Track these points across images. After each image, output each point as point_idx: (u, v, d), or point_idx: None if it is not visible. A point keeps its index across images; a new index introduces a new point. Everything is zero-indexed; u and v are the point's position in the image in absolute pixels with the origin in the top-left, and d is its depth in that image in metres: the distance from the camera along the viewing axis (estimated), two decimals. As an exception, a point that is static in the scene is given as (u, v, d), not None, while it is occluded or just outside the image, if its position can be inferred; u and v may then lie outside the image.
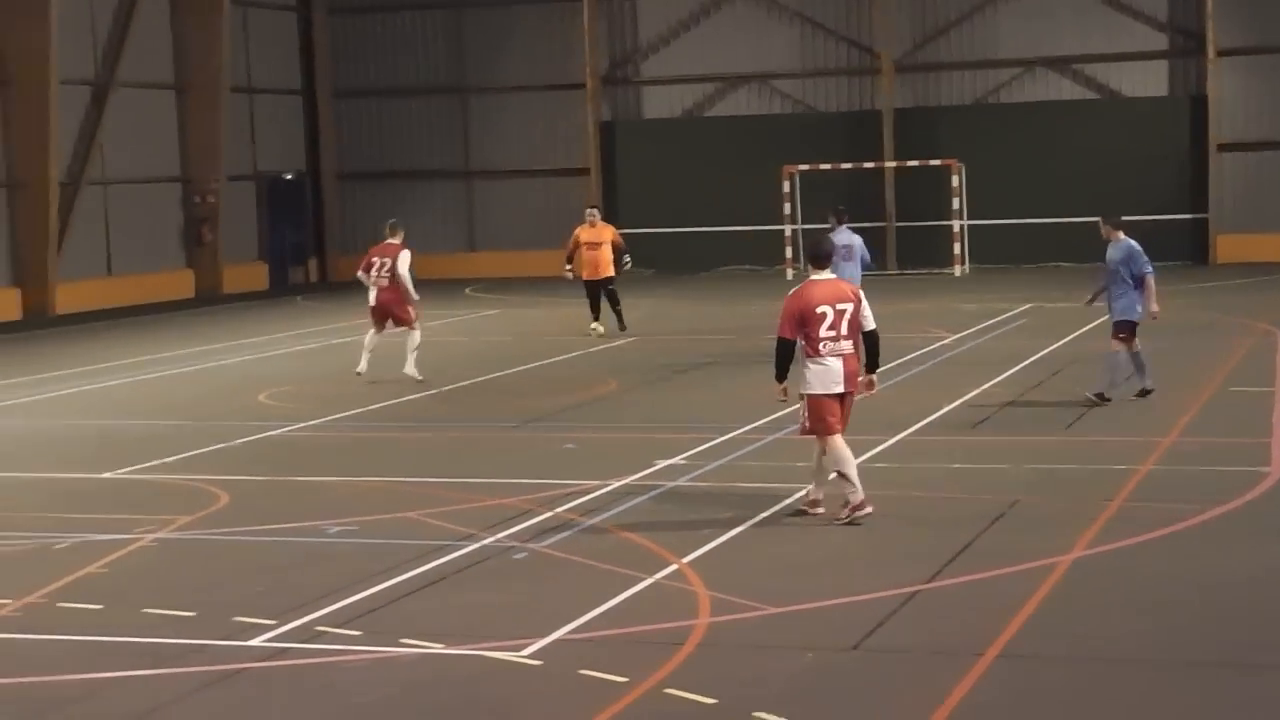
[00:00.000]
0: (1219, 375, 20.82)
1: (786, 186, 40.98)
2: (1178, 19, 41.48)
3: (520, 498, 14.30)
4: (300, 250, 45.99)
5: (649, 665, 9.39)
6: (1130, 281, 18.57)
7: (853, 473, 13.07)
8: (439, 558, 12.17)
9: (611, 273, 27.94)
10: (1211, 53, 40.52)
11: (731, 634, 10.11)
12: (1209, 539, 12.21)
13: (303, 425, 19.14)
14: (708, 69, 44.46)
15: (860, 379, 13.25)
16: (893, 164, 41.99)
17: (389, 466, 16.27)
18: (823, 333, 12.95)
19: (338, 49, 46.87)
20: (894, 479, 14.73)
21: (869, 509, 13.02)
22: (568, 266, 28.61)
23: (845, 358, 13.06)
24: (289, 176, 45.80)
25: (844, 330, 13.02)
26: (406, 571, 11.76)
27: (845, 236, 22.41)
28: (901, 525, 13.05)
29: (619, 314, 27.98)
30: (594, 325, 27.53)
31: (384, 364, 22.86)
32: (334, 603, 10.96)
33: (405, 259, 22.69)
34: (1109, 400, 18.42)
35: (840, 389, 13.06)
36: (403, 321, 22.74)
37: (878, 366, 13.54)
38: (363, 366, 22.66)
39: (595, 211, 28.63)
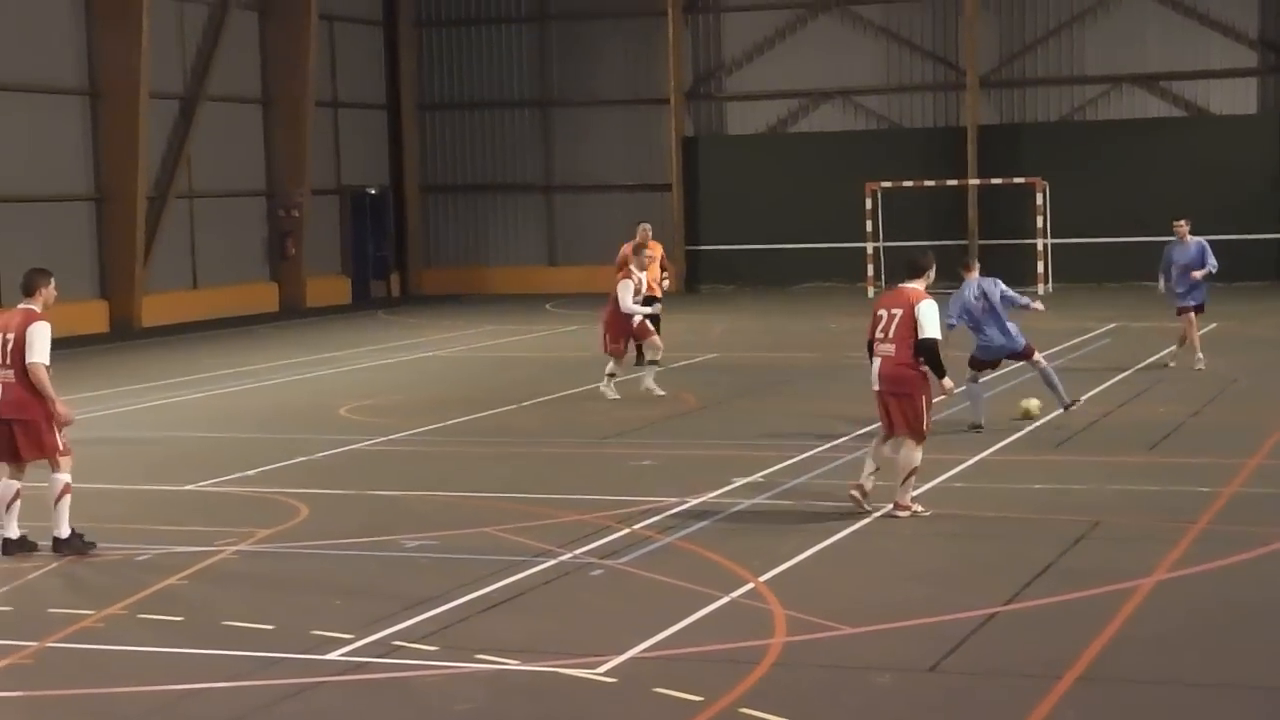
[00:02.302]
0: (1306, 397, 20.55)
1: (869, 203, 40.84)
2: (1268, 35, 41.05)
3: (598, 514, 14.31)
4: (383, 264, 46.27)
5: (724, 684, 9.37)
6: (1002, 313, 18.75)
7: (905, 475, 13.81)
8: (516, 573, 12.19)
9: (658, 292, 26.72)
10: (1301, 69, 40.04)
11: (808, 653, 10.07)
12: (1294, 563, 12.06)
13: (383, 439, 19.24)
14: (792, 84, 44.40)
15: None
16: (976, 181, 41.77)
17: (468, 481, 16.32)
18: (876, 334, 13.97)
19: (423, 62, 47.17)
20: (975, 498, 14.64)
21: (902, 513, 13.77)
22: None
23: (884, 359, 13.87)
24: (373, 190, 46.10)
25: (890, 334, 13.81)
26: (483, 587, 11.79)
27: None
28: (981, 545, 12.97)
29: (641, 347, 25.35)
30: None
31: (455, 377, 22.92)
32: (411, 617, 11.00)
33: (627, 288, 22.31)
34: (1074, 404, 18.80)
35: (875, 387, 13.95)
36: (640, 336, 22.48)
37: (939, 372, 13.83)
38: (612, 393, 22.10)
39: (648, 227, 26.62)
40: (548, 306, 40.50)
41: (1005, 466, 16.25)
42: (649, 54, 44.91)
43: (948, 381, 13.94)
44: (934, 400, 14.17)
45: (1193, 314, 23.23)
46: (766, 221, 43.47)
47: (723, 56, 45.26)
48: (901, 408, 13.84)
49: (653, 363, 22.42)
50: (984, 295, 18.87)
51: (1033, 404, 18.95)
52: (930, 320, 13.71)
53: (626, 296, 22.04)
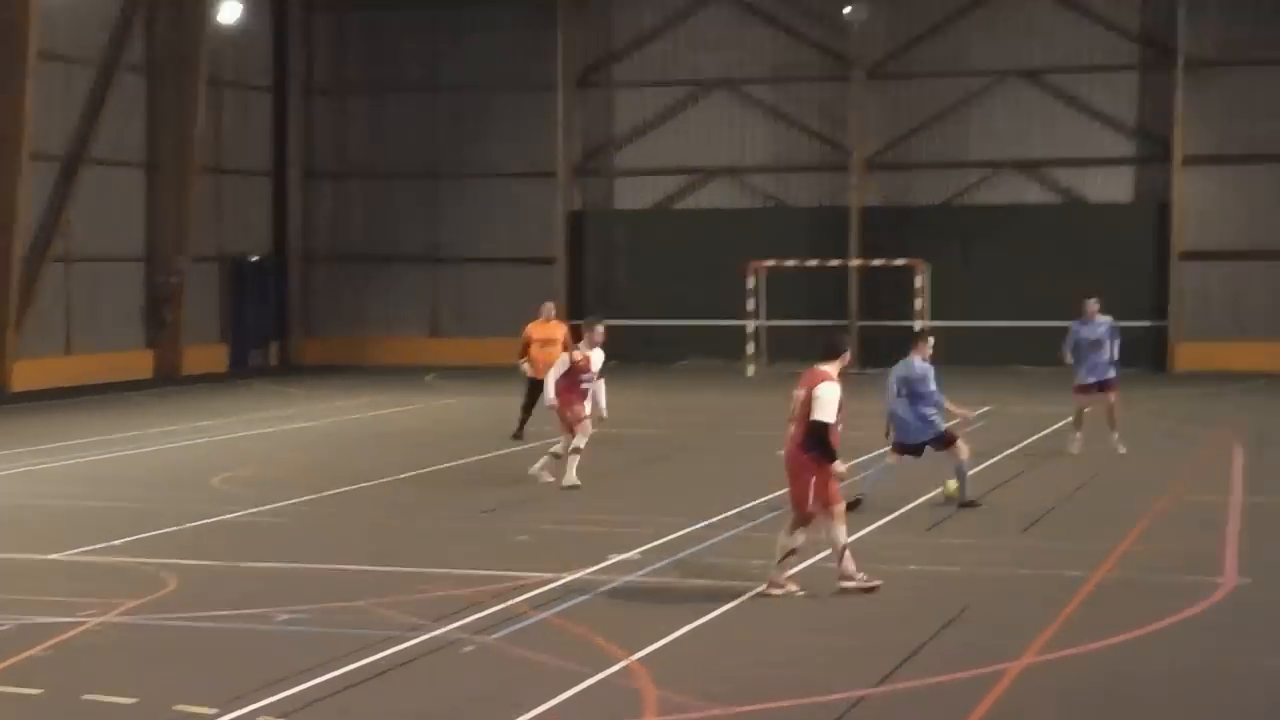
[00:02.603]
0: (1177, 484, 20.85)
1: (751, 282, 41.10)
2: (1145, 125, 41.88)
3: (472, 589, 14.20)
4: (263, 333, 45.88)
5: (591, 765, 9.30)
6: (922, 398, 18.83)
7: (781, 554, 13.88)
8: (386, 649, 12.04)
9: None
10: (1178, 159, 40.91)
11: (677, 734, 10.03)
12: (1160, 648, 12.17)
13: (256, 509, 19.00)
14: (680, 161, 44.70)
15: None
16: (858, 262, 42.18)
17: (341, 553, 16.15)
18: (790, 414, 14.11)
19: (311, 130, 47.03)
20: (848, 579, 14.68)
21: (776, 591, 13.81)
22: (524, 362, 26.27)
23: (787, 439, 14.10)
24: (255, 258, 45.76)
25: (795, 414, 14.01)
26: (352, 662, 11.63)
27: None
28: (853, 626, 13.00)
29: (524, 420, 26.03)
30: None
31: (381, 449, 22.72)
32: (277, 692, 10.82)
33: (561, 364, 20.96)
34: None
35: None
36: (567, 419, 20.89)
37: (826, 456, 13.76)
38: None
39: (551, 306, 27.11)
40: (427, 378, 40.31)
41: (879, 547, 16.31)
42: (539, 127, 45.02)
43: (838, 465, 13.86)
44: (827, 477, 13.84)
45: (1111, 395, 23.46)
46: (651, 296, 43.63)
47: (613, 132, 45.51)
48: (794, 488, 13.95)
49: (575, 450, 20.63)
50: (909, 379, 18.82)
51: (953, 485, 19.02)
52: (824, 403, 13.70)
53: (555, 371, 20.76)
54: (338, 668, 11.47)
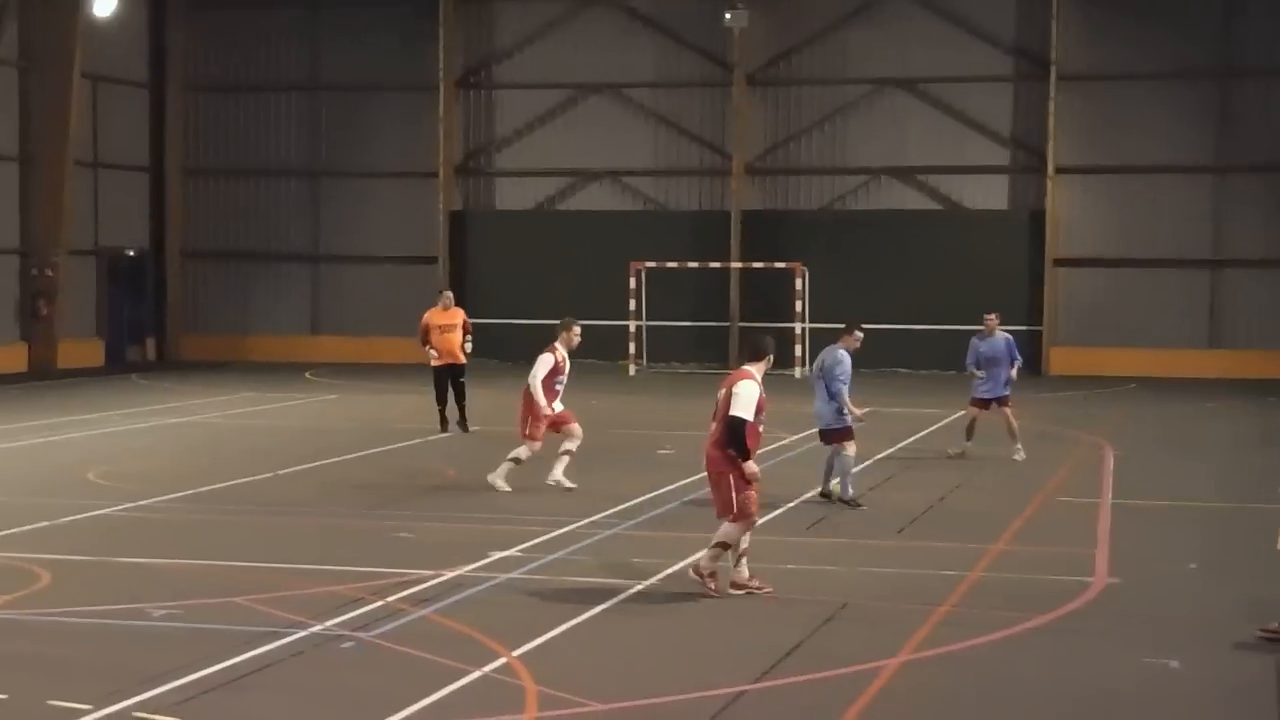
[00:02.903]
0: (1049, 485, 21.18)
1: (633, 283, 41.23)
2: (1020, 135, 42.54)
3: (351, 585, 14.14)
4: (139, 328, 45.36)
5: (473, 759, 9.31)
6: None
7: (718, 546, 13.80)
8: (264, 644, 11.98)
9: (463, 359, 26.73)
10: (1051, 169, 41.60)
11: (558, 729, 10.07)
12: (1033, 647, 12.37)
13: (132, 505, 18.80)
14: (562, 163, 44.77)
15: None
16: (738, 265, 42.45)
17: (219, 549, 16.02)
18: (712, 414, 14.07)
19: (190, 126, 46.56)
20: (727, 577, 14.77)
21: (713, 586, 13.77)
22: (430, 349, 26.87)
23: (709, 437, 13.99)
24: (132, 253, 45.24)
25: (715, 415, 13.97)
26: (230, 658, 11.56)
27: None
28: (732, 624, 13.10)
29: (463, 411, 26.79)
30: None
31: (228, 448, 22.53)
32: (153, 688, 10.73)
33: (544, 363, 20.42)
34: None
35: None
36: (558, 422, 20.37)
37: (740, 453, 13.71)
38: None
39: (450, 295, 27.60)
40: (307, 375, 40.06)
41: (759, 547, 16.37)
42: (420, 127, 44.89)
43: (750, 465, 13.73)
44: (745, 479, 13.80)
45: (1007, 409, 23.76)
46: (532, 297, 43.59)
47: (494, 132, 45.47)
48: (714, 488, 13.93)
49: (567, 452, 20.22)
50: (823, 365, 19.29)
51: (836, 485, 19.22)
52: (742, 400, 13.66)
53: (540, 371, 20.18)
54: (215, 664, 11.39)
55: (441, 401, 26.92)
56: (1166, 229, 41.53)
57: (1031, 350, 41.66)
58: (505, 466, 20.19)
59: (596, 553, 15.96)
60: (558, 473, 20.14)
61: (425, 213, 45.03)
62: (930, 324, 41.22)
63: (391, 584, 14.21)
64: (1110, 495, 20.32)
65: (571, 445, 20.23)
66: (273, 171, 46.22)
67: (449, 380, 26.90)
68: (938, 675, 11.50)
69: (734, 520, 13.81)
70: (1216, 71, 41.33)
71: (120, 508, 18.61)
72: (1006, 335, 24.08)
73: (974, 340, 24.15)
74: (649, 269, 41.50)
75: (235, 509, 18.76)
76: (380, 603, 13.49)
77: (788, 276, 41.19)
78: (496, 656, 11.69)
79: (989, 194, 42.88)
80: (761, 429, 14.07)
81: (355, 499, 19.51)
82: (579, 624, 12.87)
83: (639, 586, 14.22)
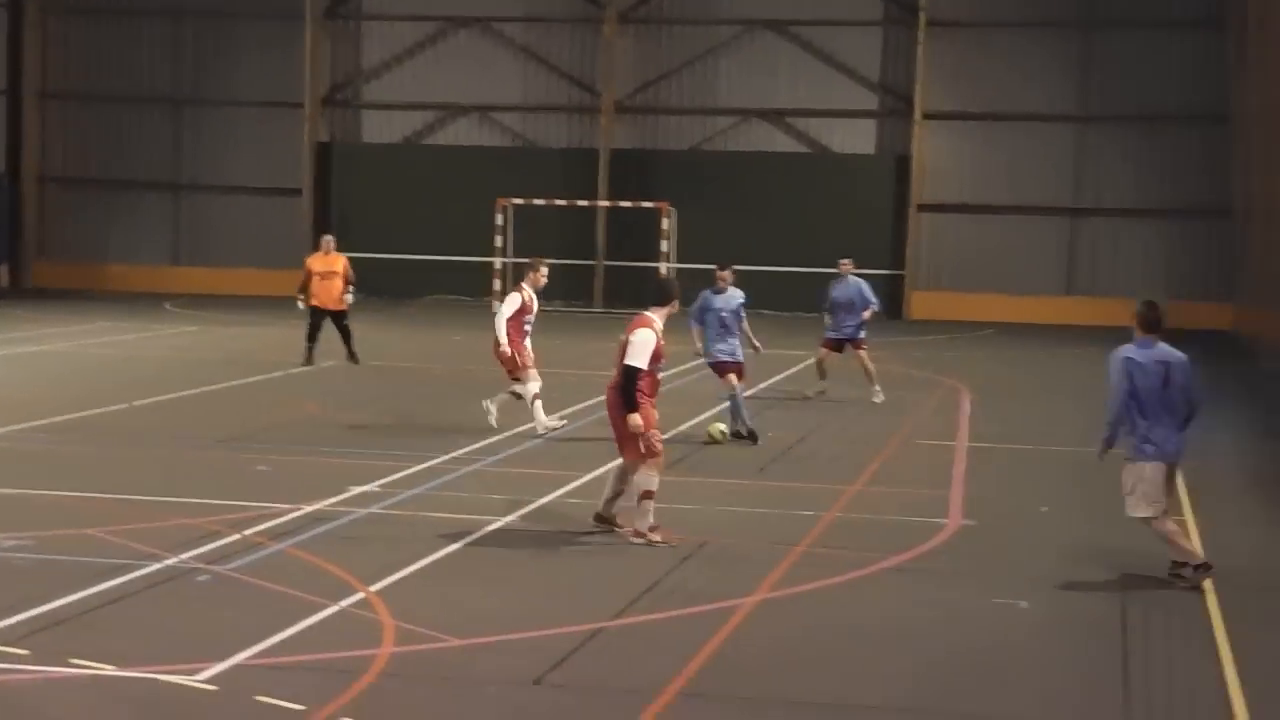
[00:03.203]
0: (907, 427, 21.43)
1: (500, 219, 41.06)
2: (888, 80, 42.82)
3: (208, 519, 14.00)
4: (-6, 254, 44.50)
5: (328, 694, 9.27)
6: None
7: (638, 498, 13.62)
8: (118, 577, 11.83)
9: (343, 306, 26.53)
10: (918, 115, 41.93)
11: (414, 665, 10.04)
12: (887, 586, 12.53)
13: (-16, 434, 18.48)
14: (430, 97, 44.42)
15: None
16: (606, 203, 42.42)
17: (72, 481, 15.77)
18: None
19: (49, 50, 45.57)
20: (585, 515, 14.80)
21: (652, 538, 13.55)
22: (300, 296, 26.64)
23: (610, 383, 13.87)
24: (-13, 177, 44.31)
25: (616, 360, 13.80)
26: (82, 590, 11.41)
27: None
28: (590, 561, 13.14)
29: (349, 346, 26.58)
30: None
31: (76, 370, 22.19)
32: (2, 620, 10.56)
33: (512, 301, 20.00)
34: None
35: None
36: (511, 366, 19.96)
37: (627, 404, 13.57)
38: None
39: (331, 240, 27.25)
40: (168, 306, 39.53)
41: (620, 485, 16.49)
42: (287, 57, 44.31)
43: (634, 418, 13.52)
44: (646, 426, 13.58)
45: (861, 351, 23.94)
46: (399, 231, 43.31)
47: (362, 64, 44.99)
48: (616, 430, 13.79)
49: (513, 393, 19.87)
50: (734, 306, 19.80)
51: (718, 428, 19.29)
52: (636, 348, 13.54)
53: (506, 310, 19.79)
54: (67, 595, 11.24)
55: (311, 339, 26.62)
56: (1029, 176, 42.08)
57: (893, 295, 42.13)
58: (538, 406, 19.69)
59: (456, 489, 15.93)
60: (492, 405, 19.88)
61: (291, 144, 44.50)
62: (795, 266, 41.44)
63: (248, 517, 14.09)
64: (966, 439, 20.60)
65: (521, 390, 19.79)
66: (135, 98, 45.40)
67: (326, 321, 26.63)
68: (792, 613, 11.62)
69: (644, 462, 13.64)
70: (1081, 21, 41.85)
71: (-29, 437, 18.28)
72: (860, 279, 24.27)
73: (831, 284, 24.34)
74: (516, 206, 41.34)
75: (89, 440, 18.49)
76: (236, 536, 13.37)
77: (655, 216, 41.22)
78: (354, 591, 11.64)
79: (856, 138, 43.15)
80: (660, 375, 14.03)
81: (213, 431, 19.29)
82: (437, 560, 12.85)
83: (498, 523, 14.22)
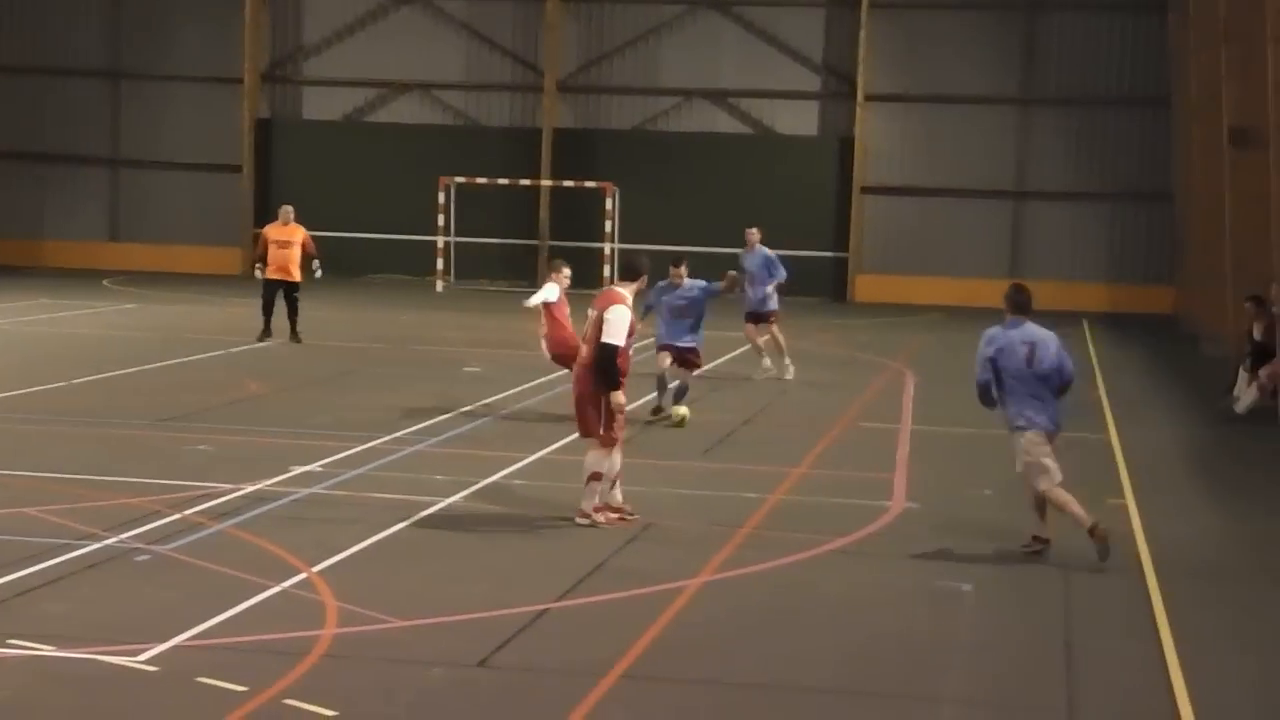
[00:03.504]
0: (851, 411, 21.47)
1: (442, 198, 40.89)
2: (831, 62, 42.85)
3: (147, 498, 13.88)
4: (-74, 229, 43.93)
5: (270, 675, 9.20)
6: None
7: (586, 479, 13.55)
8: (56, 556, 11.71)
9: (298, 277, 26.46)
10: (861, 97, 41.98)
11: (358, 646, 9.98)
12: (830, 568, 12.55)
13: (-80, 412, 18.27)
14: (371, 74, 44.14)
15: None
16: (549, 183, 42.30)
17: (10, 459, 15.61)
18: (584, 335, 13.90)
19: (-18, 21, 45.08)
20: (530, 496, 14.78)
21: (597, 519, 13.51)
22: (258, 266, 26.72)
23: (578, 361, 13.88)
24: (-82, 151, 43.74)
25: (586, 336, 13.69)
26: (20, 570, 11.29)
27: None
28: (535, 542, 13.10)
29: (294, 323, 26.51)
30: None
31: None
32: (-61, 600, 10.46)
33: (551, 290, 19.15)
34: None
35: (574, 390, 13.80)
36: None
37: (608, 383, 13.42)
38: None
39: (289, 210, 27.10)
40: (106, 283, 39.19)
41: (564, 466, 16.43)
42: (226, 31, 43.93)
43: (617, 397, 13.47)
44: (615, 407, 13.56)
45: (772, 324, 24.01)
46: (340, 209, 42.98)
47: (302, 39, 44.68)
48: (580, 409, 13.64)
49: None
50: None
51: (684, 410, 19.28)
52: (613, 325, 13.40)
53: (550, 296, 19.05)
54: (4, 575, 11.13)
55: (267, 312, 26.61)
56: (972, 159, 42.20)
57: (838, 277, 42.24)
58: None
59: (400, 469, 15.85)
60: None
61: (230, 120, 44.15)
62: (739, 247, 41.34)
63: (189, 497, 13.98)
64: (910, 422, 20.66)
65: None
66: (71, 70, 44.89)
67: (279, 293, 26.57)
68: (737, 595, 11.62)
69: (602, 444, 13.54)
70: (1024, 4, 41.98)
71: (-94, 414, 18.07)
72: (766, 250, 24.32)
73: (740, 257, 24.40)
74: (458, 184, 41.16)
75: (26, 418, 18.29)
76: (177, 516, 13.26)
77: (598, 196, 41.13)
78: (296, 572, 11.57)
79: (800, 119, 43.17)
80: (631, 352, 13.95)
81: (152, 410, 19.13)
82: (380, 540, 12.78)
83: (442, 504, 14.16)
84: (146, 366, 23.18)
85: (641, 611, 10.95)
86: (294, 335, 26.62)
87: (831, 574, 12.38)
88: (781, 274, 24.20)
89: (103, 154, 44.99)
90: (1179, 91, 38.96)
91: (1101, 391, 24.11)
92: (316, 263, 26.83)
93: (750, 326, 24.23)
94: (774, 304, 24.17)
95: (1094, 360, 27.52)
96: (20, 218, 45.20)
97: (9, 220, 45.25)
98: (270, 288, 26.56)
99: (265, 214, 43.58)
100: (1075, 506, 13.02)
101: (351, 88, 44.34)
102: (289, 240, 26.56)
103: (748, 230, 24.47)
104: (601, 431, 13.53)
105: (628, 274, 14.13)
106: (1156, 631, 10.97)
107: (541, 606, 10.98)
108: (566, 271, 19.62)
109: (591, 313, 13.72)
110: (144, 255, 44.07)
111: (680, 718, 8.98)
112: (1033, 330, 13.25)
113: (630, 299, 13.80)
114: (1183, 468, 18.33)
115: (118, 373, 22.41)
